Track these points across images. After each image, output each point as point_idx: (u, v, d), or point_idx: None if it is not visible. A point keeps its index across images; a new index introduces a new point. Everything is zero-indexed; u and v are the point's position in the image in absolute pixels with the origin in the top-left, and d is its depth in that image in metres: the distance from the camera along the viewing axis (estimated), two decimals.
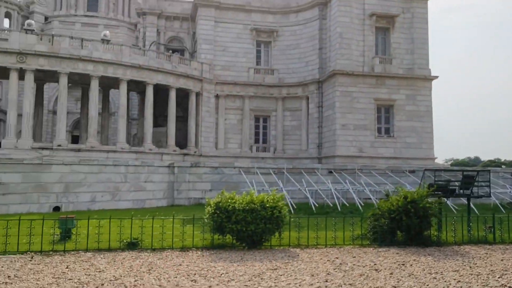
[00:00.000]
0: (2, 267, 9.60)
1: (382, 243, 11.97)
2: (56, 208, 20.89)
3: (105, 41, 32.46)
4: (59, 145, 30.17)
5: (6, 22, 53.10)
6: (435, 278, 8.30)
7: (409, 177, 28.27)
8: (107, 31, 35.38)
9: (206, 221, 11.80)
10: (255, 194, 11.88)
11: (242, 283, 7.97)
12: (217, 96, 37.55)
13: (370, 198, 23.42)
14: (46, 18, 55.59)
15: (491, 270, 8.98)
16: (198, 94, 36.60)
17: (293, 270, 8.86)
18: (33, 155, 27.06)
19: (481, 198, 15.17)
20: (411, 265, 9.51)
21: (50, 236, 11.75)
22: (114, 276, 8.62)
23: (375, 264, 9.44)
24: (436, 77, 34.53)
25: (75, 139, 44.41)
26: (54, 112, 43.39)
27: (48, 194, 21.02)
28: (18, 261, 10.22)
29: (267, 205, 11.29)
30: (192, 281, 8.17)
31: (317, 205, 22.13)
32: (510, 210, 21.61)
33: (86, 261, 10.06)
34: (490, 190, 14.49)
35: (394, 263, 9.69)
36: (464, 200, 19.81)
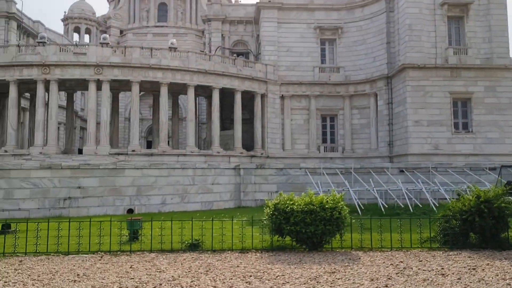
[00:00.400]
0: (74, 265, 10.20)
1: (453, 246, 11.18)
2: (130, 211, 21.90)
3: (172, 49, 33.62)
4: (133, 150, 31.72)
5: (86, 38, 56.95)
6: (509, 284, 7.57)
7: (489, 175, 26.24)
8: (174, 40, 36.73)
9: (265, 222, 11.74)
10: (320, 195, 11.63)
11: (296, 286, 7.79)
12: (282, 97, 37.46)
13: (446, 199, 22.05)
14: (121, 31, 58.83)
15: None
16: (263, 96, 36.76)
17: (352, 274, 8.51)
18: (110, 160, 28.55)
19: None
20: (483, 269, 8.76)
21: (119, 237, 12.30)
22: (172, 276, 8.81)
23: (442, 269, 8.81)
24: None
25: (149, 144, 46.55)
26: (130, 119, 45.68)
27: (122, 197, 22.11)
28: (88, 260, 10.80)
29: (326, 206, 10.98)
30: (246, 283, 8.13)
31: (386, 206, 21.21)
32: None
33: (149, 262, 10.40)
34: None
35: (464, 267, 8.98)
36: None
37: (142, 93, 37.76)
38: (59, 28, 56.60)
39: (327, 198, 11.36)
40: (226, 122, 39.45)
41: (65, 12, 56.89)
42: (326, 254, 10.66)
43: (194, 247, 11.44)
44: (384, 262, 9.56)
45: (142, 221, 13.20)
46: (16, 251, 11.60)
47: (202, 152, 34.26)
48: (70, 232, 11.83)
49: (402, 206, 21.50)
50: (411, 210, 20.62)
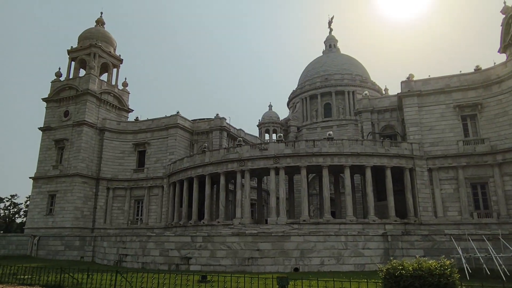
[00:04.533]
0: None
1: None
2: (296, 269, 22.61)
3: (329, 139, 35.04)
4: (304, 220, 32.97)
5: (274, 136, 62.84)
6: None
7: None
8: (331, 131, 38.32)
9: (380, 285, 11.16)
10: (429, 261, 10.65)
11: None
12: (429, 170, 34.55)
13: None
14: (298, 128, 63.42)
15: None
16: (411, 170, 34.62)
17: None
18: (286, 228, 30.21)
19: None
20: None
21: None
22: None
23: None
24: None
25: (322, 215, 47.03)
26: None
27: (290, 258, 23.06)
28: None
29: (434, 272, 9.99)
30: None
31: None
32: None
33: None
34: None
35: None
36: None
37: (313, 174, 39.42)
38: (255, 131, 63.93)
39: (435, 264, 10.32)
40: (382, 194, 37.79)
41: (259, 120, 64.63)
42: None
43: None
44: None
45: (288, 279, 13.87)
46: None
47: (359, 220, 33.47)
48: (239, 284, 13.30)
49: None
50: None
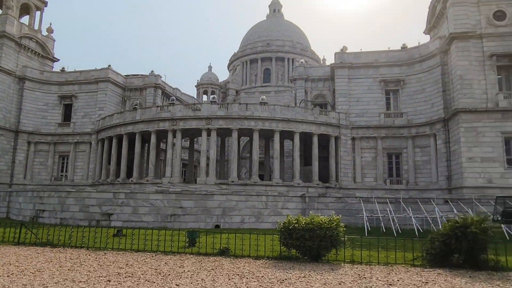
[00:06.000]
0: (140, 259, 11.85)
1: (434, 264, 10.49)
2: (217, 226, 23.62)
3: (262, 103, 35.78)
4: (232, 181, 33.97)
5: (204, 97, 62.26)
6: (422, 282, 7.17)
7: None
8: (264, 96, 38.90)
9: (277, 237, 12.27)
10: (321, 216, 11.85)
11: (263, 283, 8.33)
12: (353, 139, 36.99)
13: None
14: (236, 92, 63.34)
15: None
16: (337, 138, 36.76)
17: (316, 279, 8.74)
18: (214, 188, 30.99)
19: None
20: (434, 283, 8.30)
21: (182, 243, 13.84)
22: (189, 270, 9.91)
23: (398, 280, 8.52)
24: None
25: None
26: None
27: (212, 216, 23.98)
28: (148, 257, 12.31)
29: (323, 226, 11.22)
30: (234, 277, 8.89)
31: (421, 231, 19.74)
32: None
33: (182, 260, 11.61)
34: None
35: (419, 281, 8.57)
36: None
37: (247, 139, 40.22)
38: (193, 92, 62.83)
39: (325, 219, 11.58)
40: (308, 159, 39.88)
41: (198, 80, 63.56)
42: (319, 264, 10.83)
43: (223, 252, 12.43)
44: (356, 273, 9.50)
45: (198, 232, 14.60)
46: (113, 247, 13.82)
47: (285, 183, 35.21)
48: (152, 237, 13.76)
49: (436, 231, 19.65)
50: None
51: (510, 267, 10.06)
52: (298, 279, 8.66)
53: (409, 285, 8.10)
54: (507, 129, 28.76)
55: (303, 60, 45.12)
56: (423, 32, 39.75)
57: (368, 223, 21.55)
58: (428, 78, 35.23)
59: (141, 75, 47.44)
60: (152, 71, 46.02)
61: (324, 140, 36.98)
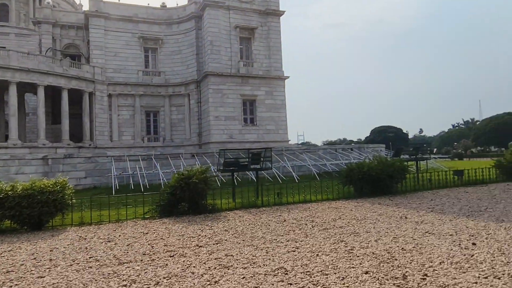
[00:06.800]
0: None
1: (163, 214, 11.20)
2: None
3: None
4: None
5: None
6: (142, 233, 7.60)
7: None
8: None
9: None
10: (44, 180, 10.49)
11: None
12: (110, 95, 35.16)
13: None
14: None
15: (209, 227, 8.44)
16: (91, 94, 34.02)
17: (26, 250, 7.67)
18: None
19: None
20: (154, 232, 8.77)
21: None
22: None
23: (120, 235, 8.52)
24: (288, 77, 35.00)
25: None
26: None
27: None
28: None
29: (45, 190, 10.01)
30: None
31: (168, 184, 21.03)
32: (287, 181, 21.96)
33: None
34: (271, 165, 14.35)
35: (141, 232, 8.86)
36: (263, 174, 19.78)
37: None
38: None
39: (50, 182, 10.39)
40: (58, 117, 35.48)
41: None
42: (39, 233, 9.64)
43: None
44: (78, 235, 8.96)
45: None
46: None
47: (26, 144, 30.24)
48: None
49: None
50: None
51: (223, 208, 11.87)
52: (1, 254, 7.37)
53: (128, 239, 8.20)
54: (244, 92, 33.81)
55: (49, 0, 38.55)
56: None
57: (117, 182, 21.18)
58: (184, 40, 36.87)
59: None
60: None
61: (77, 96, 33.55)
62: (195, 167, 12.35)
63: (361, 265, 5.42)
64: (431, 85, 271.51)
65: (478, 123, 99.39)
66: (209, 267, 5.73)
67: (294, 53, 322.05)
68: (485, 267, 5.08)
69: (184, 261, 6.18)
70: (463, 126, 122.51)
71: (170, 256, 6.52)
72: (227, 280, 5.11)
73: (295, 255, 6.13)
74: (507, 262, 5.25)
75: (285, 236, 7.60)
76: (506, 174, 17.21)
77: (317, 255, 6.09)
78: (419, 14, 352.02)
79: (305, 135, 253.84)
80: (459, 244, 6.31)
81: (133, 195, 13.35)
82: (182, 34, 36.98)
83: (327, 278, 4.98)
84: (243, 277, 5.19)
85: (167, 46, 37.28)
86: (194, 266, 5.84)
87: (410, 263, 5.42)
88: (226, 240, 7.59)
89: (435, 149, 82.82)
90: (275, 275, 5.20)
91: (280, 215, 10.29)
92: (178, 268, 5.79)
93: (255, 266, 5.69)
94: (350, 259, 5.74)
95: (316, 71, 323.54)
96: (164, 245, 7.38)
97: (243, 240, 7.45)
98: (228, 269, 5.61)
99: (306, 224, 8.76)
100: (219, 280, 5.14)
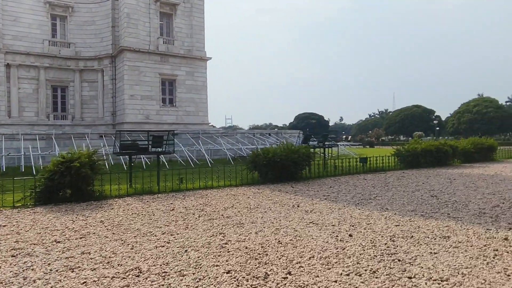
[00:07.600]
0: None
1: (40, 203, 9.75)
2: None
3: None
4: None
5: None
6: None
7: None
8: None
9: None
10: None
11: None
12: (8, 65, 30.93)
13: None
14: None
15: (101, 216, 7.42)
16: None
17: None
18: None
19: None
20: (15, 222, 7.46)
21: None
22: None
23: None
24: (210, 58, 33.87)
25: None
26: None
27: None
28: None
29: None
30: None
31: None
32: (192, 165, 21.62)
33: None
34: (174, 149, 13.47)
35: (2, 219, 7.51)
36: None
37: None
38: None
39: None
40: None
41: None
42: None
43: None
44: None
45: None
46: None
47: None
48: None
49: None
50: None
51: (113, 195, 10.71)
52: None
53: None
54: (163, 71, 32.01)
55: None
56: None
57: (4, 163, 18.62)
58: (99, 10, 33.67)
59: None
60: None
61: None
62: (101, 149, 10.99)
63: (227, 263, 4.88)
64: (354, 75, 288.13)
65: (390, 113, 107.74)
66: (51, 270, 4.78)
67: (226, 35, 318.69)
68: (351, 262, 4.83)
69: (25, 262, 5.12)
70: (378, 116, 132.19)
71: (12, 256, 5.40)
72: (62, 286, 4.23)
73: (161, 252, 5.41)
74: (374, 256, 5.08)
75: (163, 228, 6.85)
76: (404, 162, 18.31)
77: (186, 251, 5.45)
78: (348, 4, 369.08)
79: (233, 119, 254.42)
80: (337, 236, 6.10)
81: (12, 179, 11.53)
82: (96, 3, 33.69)
83: (182, 280, 4.34)
84: (84, 282, 4.33)
85: (79, 15, 33.74)
86: (32, 269, 4.83)
87: (279, 259, 5.01)
88: (94, 233, 6.62)
89: (350, 137, 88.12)
90: (123, 278, 4.43)
91: (171, 203, 9.51)
92: (10, 272, 4.73)
93: (107, 266, 4.86)
94: (219, 256, 5.18)
95: (247, 55, 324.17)
96: (15, 241, 6.18)
97: (113, 234, 6.55)
98: (73, 271, 4.71)
99: (194, 214, 8.10)
100: (54, 285, 4.24)
